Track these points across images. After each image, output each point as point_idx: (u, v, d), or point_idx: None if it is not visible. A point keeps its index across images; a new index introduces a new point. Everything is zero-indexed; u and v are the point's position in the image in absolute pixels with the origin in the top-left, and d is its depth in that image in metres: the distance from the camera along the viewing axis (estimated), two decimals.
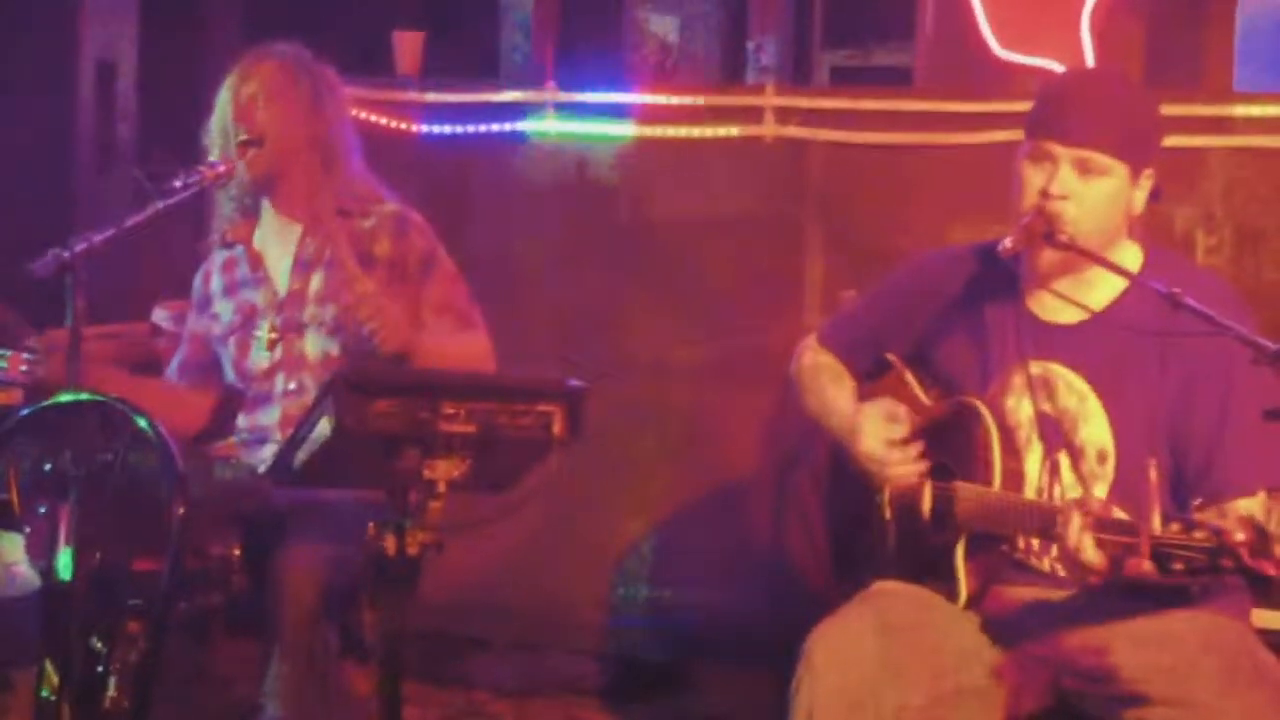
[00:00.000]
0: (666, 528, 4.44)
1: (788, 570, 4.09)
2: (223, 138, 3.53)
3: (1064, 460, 2.82)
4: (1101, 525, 2.50)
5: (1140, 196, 2.83)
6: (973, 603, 2.81)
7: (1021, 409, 2.86)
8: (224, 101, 3.55)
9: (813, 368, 3.16)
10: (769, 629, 4.15)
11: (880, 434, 2.93)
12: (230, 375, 3.65)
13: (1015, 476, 2.80)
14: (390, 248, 3.56)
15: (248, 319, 3.61)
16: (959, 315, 2.97)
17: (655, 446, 4.43)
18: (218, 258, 3.68)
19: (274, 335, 3.57)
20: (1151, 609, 2.68)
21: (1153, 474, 2.40)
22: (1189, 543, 2.35)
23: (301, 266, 3.59)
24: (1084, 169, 2.76)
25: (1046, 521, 2.62)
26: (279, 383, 3.56)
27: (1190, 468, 2.73)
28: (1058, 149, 2.76)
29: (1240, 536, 2.31)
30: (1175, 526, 2.37)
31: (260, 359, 3.58)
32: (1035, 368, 2.86)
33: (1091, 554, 2.51)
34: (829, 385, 3.12)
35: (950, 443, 2.89)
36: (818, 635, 2.74)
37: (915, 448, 2.92)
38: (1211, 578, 2.39)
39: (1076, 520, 2.52)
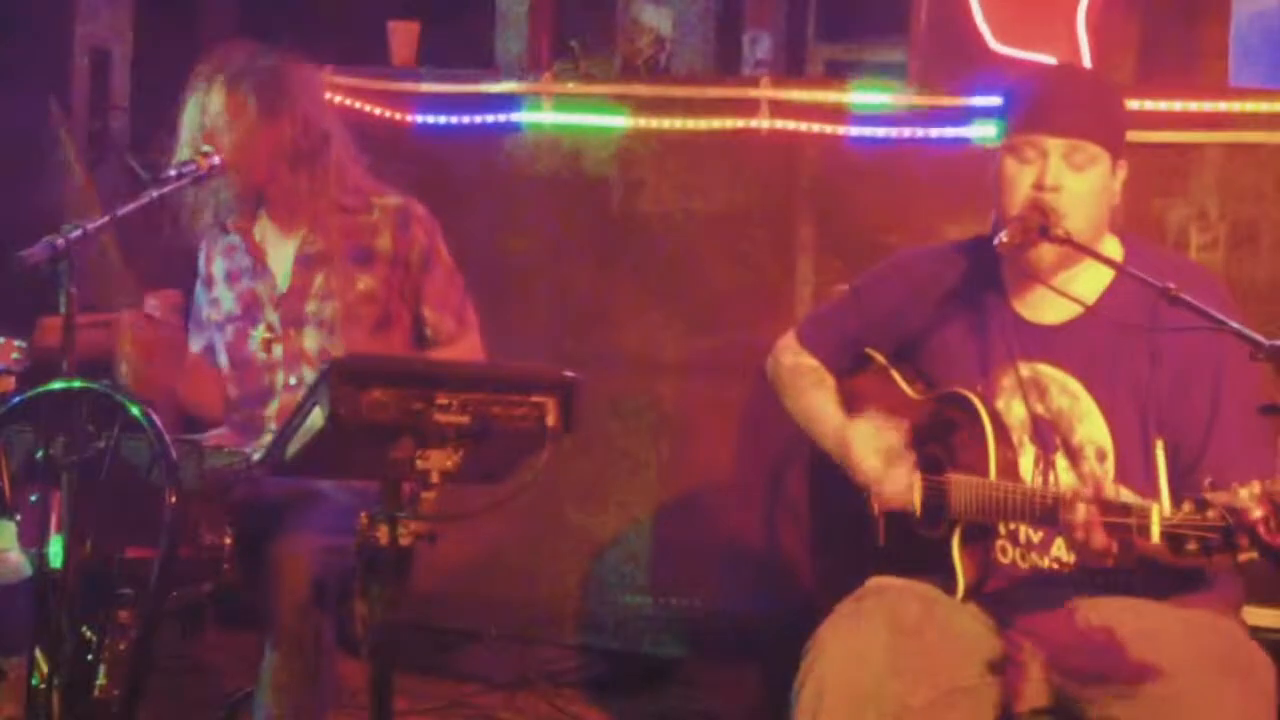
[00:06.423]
0: (657, 522, 4.43)
1: (779, 567, 4.10)
2: (193, 147, 3.49)
3: (1060, 461, 2.80)
4: (1108, 509, 2.47)
5: (1117, 187, 2.84)
6: (970, 593, 2.80)
7: (1012, 411, 2.85)
8: (191, 114, 3.53)
9: (793, 369, 3.14)
10: (759, 625, 4.16)
11: (872, 444, 2.91)
12: (222, 360, 3.65)
13: (1011, 466, 2.77)
14: (391, 242, 3.58)
15: (248, 309, 3.62)
16: (948, 313, 2.96)
17: (645, 440, 4.42)
18: (220, 241, 3.68)
19: (269, 335, 3.58)
20: (1153, 599, 2.68)
21: (1160, 455, 2.37)
22: (1203, 522, 2.30)
23: (304, 262, 3.59)
24: (1074, 160, 2.76)
25: (1049, 509, 2.59)
26: (279, 378, 3.57)
27: (1184, 457, 2.70)
28: (1047, 141, 2.76)
29: (1257, 513, 2.24)
30: (1187, 507, 2.32)
31: (257, 351, 3.59)
32: (1025, 369, 2.85)
33: (1101, 540, 2.49)
34: (810, 389, 3.11)
35: (941, 434, 2.87)
36: (829, 630, 2.72)
37: (909, 460, 2.90)
38: (1227, 556, 2.31)
39: (1082, 509, 2.50)
